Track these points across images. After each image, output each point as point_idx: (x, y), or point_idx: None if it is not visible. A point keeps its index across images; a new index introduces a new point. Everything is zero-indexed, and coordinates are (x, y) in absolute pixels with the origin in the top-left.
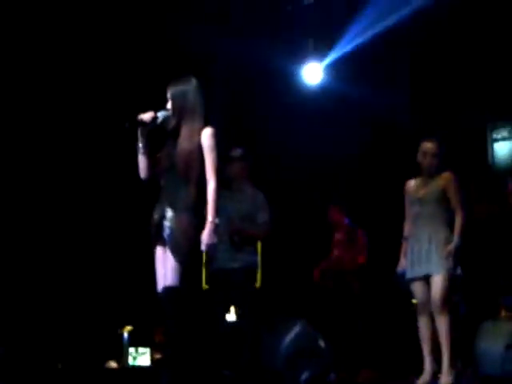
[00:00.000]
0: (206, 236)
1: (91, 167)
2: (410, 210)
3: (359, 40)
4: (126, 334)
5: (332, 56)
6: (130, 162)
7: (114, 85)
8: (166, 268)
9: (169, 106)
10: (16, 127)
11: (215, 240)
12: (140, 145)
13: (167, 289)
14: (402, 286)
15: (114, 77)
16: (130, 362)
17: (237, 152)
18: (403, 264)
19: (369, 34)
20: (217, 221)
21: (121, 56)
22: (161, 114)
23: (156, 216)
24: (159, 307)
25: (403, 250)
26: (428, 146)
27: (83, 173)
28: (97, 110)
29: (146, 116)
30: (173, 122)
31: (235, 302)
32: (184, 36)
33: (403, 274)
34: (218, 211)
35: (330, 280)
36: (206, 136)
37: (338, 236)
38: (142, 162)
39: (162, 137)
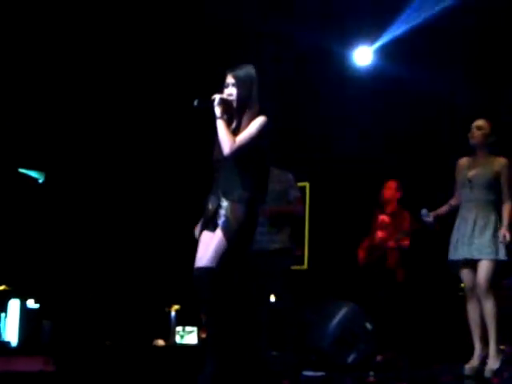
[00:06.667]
0: None
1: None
2: (460, 190)
3: (412, 22)
4: (173, 313)
5: (384, 38)
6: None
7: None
8: (207, 249)
9: (229, 91)
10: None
11: None
12: (218, 114)
13: (202, 268)
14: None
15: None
16: (178, 340)
17: None
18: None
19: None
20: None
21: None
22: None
23: (211, 207)
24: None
25: (442, 208)
26: (478, 122)
27: (129, 164)
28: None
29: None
30: (232, 109)
31: (274, 283)
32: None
33: (425, 215)
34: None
35: (375, 257)
36: (256, 121)
37: (383, 216)
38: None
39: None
